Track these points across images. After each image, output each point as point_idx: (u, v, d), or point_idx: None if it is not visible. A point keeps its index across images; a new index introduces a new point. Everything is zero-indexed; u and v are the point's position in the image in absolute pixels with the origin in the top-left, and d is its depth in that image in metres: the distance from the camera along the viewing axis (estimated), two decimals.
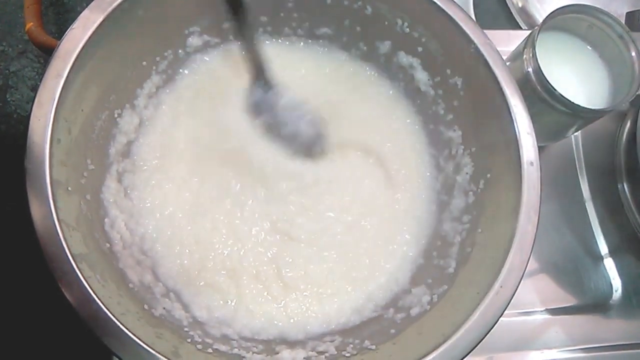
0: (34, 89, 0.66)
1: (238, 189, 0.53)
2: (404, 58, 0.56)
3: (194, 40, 0.54)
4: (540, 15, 0.76)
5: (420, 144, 0.57)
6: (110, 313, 0.37)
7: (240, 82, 0.56)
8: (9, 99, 0.67)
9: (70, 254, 0.38)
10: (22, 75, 0.68)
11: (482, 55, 0.48)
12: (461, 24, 0.48)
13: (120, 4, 0.45)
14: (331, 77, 0.59)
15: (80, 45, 0.43)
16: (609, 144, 0.68)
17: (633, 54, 0.56)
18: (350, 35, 0.57)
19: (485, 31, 0.49)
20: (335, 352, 0.45)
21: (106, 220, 0.47)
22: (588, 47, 0.60)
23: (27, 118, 0.40)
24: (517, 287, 0.42)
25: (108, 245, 0.45)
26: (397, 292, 0.51)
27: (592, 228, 0.65)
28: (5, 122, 0.66)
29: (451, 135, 0.54)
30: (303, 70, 0.55)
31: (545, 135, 0.62)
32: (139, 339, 0.37)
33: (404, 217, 0.55)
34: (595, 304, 0.62)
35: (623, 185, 0.65)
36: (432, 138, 0.57)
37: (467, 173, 0.52)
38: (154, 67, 0.53)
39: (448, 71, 0.52)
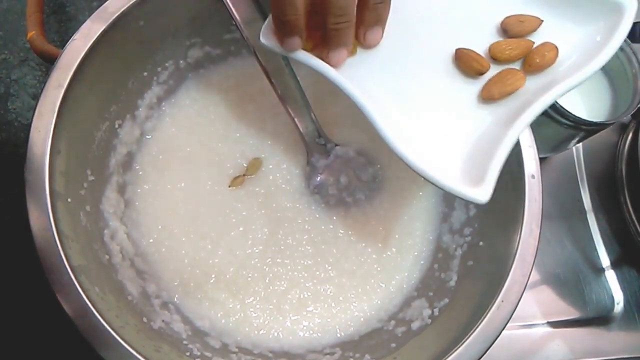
0: (35, 97, 0.66)
1: (239, 206, 0.52)
2: None
3: (195, 52, 0.54)
4: None
5: None
6: (109, 326, 0.37)
7: (243, 94, 0.56)
8: (9, 107, 0.66)
9: (69, 265, 0.38)
10: (24, 83, 0.68)
11: None
12: None
13: (121, 15, 0.45)
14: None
15: (81, 56, 0.43)
16: (610, 155, 0.67)
17: (635, 66, 0.56)
18: None
19: None
20: None
21: (106, 231, 0.46)
22: None
23: (28, 126, 0.40)
24: (519, 300, 0.41)
25: (107, 257, 0.45)
26: (399, 304, 0.51)
27: (593, 240, 0.65)
28: (5, 130, 0.65)
29: None
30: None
31: (547, 147, 0.62)
32: (138, 352, 0.37)
33: (406, 228, 0.54)
34: (597, 316, 0.62)
35: (625, 197, 0.65)
36: None
37: None
38: (155, 78, 0.53)
39: None
